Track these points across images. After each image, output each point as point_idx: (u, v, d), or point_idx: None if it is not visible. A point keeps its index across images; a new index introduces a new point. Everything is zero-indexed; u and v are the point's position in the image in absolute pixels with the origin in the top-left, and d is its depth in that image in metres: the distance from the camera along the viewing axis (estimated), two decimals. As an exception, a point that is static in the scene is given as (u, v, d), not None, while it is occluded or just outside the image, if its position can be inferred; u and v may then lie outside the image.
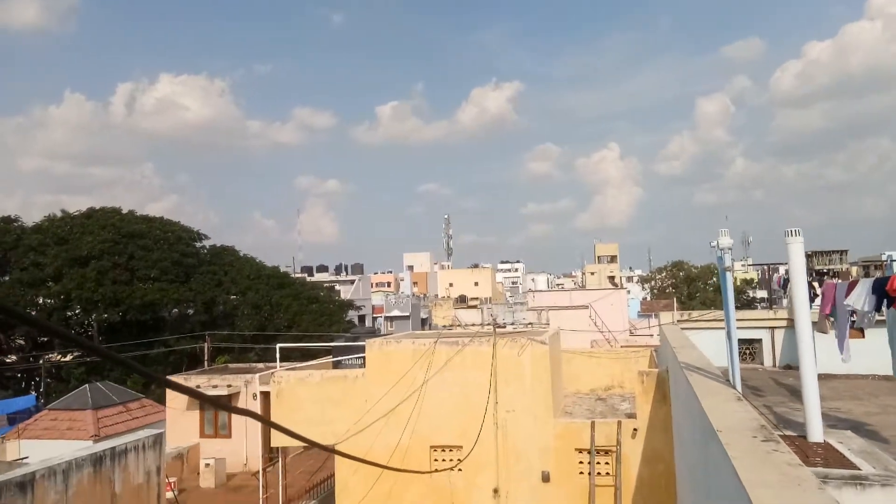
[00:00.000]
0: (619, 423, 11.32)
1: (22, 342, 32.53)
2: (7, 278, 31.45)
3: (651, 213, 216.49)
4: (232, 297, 37.04)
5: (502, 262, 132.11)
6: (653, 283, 77.04)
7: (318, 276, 75.11)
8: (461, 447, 11.97)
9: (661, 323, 17.06)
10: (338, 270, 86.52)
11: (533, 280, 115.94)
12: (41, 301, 31.47)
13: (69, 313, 32.16)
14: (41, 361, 30.98)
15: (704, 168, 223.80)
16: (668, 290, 68.52)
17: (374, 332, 18.20)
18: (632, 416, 11.69)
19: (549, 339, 12.44)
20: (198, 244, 38.21)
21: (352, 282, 74.90)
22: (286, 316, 36.93)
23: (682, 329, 14.17)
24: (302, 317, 36.92)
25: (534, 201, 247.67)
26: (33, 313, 31.75)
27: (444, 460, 12.14)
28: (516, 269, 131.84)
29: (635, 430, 11.13)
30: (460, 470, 11.82)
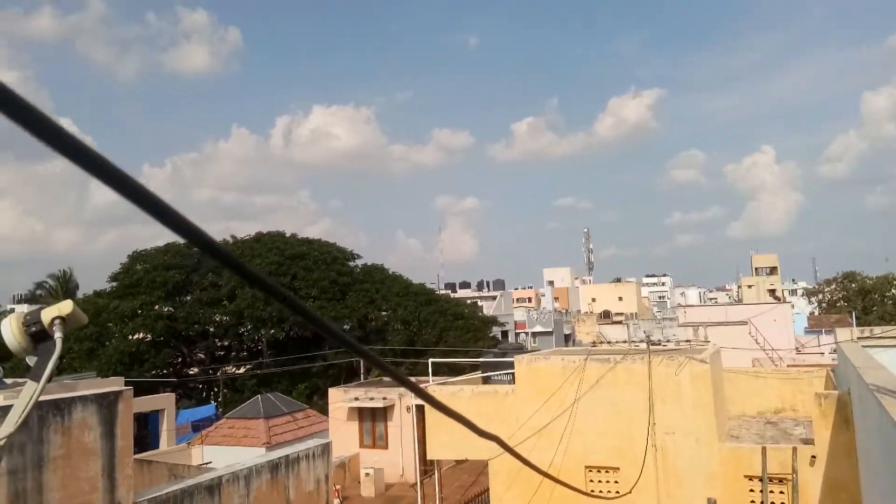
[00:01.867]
0: (795, 449, 10.48)
1: (202, 356, 36.12)
2: (189, 298, 35.11)
3: (814, 219, 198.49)
4: (383, 313, 38.75)
5: (647, 276, 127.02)
6: (820, 296, 70.47)
7: (460, 293, 76.48)
8: (618, 469, 11.66)
9: (839, 340, 15.59)
10: (479, 287, 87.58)
11: (683, 294, 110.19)
12: (218, 318, 34.79)
13: (241, 329, 35.27)
14: (219, 374, 34.23)
15: (875, 168, 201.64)
16: (838, 304, 62.39)
17: (520, 348, 18.23)
18: (808, 441, 10.78)
19: (710, 358, 11.82)
20: (351, 263, 40.46)
21: (493, 298, 75.41)
22: (433, 332, 37.98)
23: (864, 347, 12.87)
24: (448, 332, 37.80)
25: (679, 210, 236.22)
26: (211, 329, 35.21)
27: (599, 481, 11.87)
28: (663, 283, 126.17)
29: (813, 456, 10.25)
30: (618, 493, 11.50)
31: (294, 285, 35.31)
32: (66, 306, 1.56)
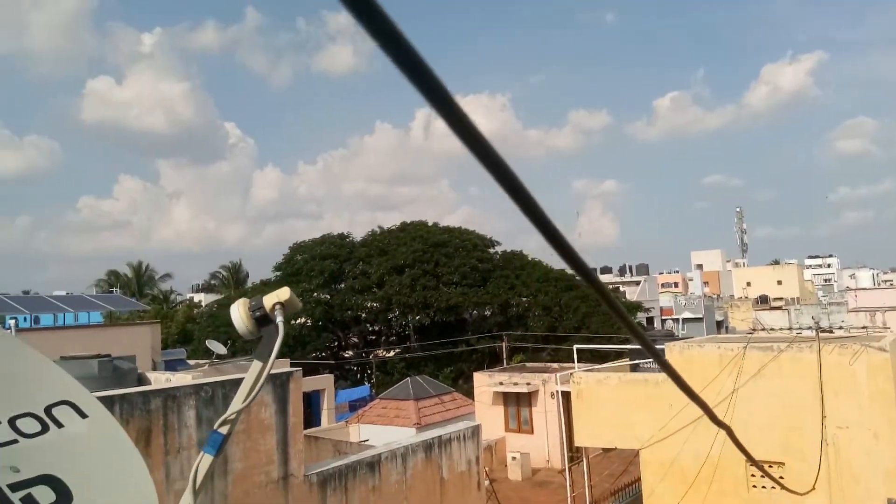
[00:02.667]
0: None
1: (356, 340, 38.30)
2: (343, 285, 37.32)
3: None
4: (523, 299, 38.87)
5: (810, 257, 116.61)
6: None
7: (602, 278, 74.75)
8: (783, 464, 10.96)
9: None
10: (622, 271, 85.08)
11: (853, 277, 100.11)
12: (369, 305, 36.69)
13: (390, 315, 36.95)
14: (371, 357, 36.16)
15: None
16: None
17: (670, 335, 17.58)
18: None
19: (890, 346, 10.74)
20: (491, 250, 40.92)
21: (637, 283, 72.99)
22: (575, 317, 37.54)
23: None
24: (591, 318, 37.18)
25: (846, 185, 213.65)
26: (363, 315, 37.20)
27: (762, 476, 11.23)
28: (829, 265, 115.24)
29: None
30: (785, 489, 10.82)
31: (437, 272, 36.36)
32: (283, 293, 1.80)
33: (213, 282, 52.83)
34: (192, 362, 21.15)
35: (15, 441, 1.67)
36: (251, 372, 1.96)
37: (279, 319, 1.76)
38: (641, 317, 46.32)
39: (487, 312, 38.42)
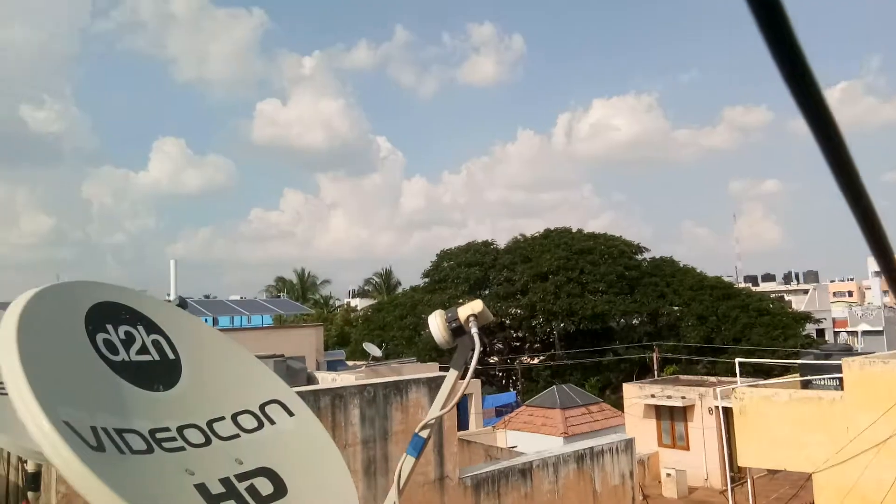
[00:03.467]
0: None
1: (500, 346, 38.57)
2: (487, 292, 37.75)
3: None
4: (675, 308, 37.07)
5: None
6: None
7: (763, 286, 69.37)
8: None
9: None
10: (786, 279, 78.50)
11: None
12: (513, 311, 36.80)
13: (534, 322, 36.80)
14: (516, 364, 36.23)
15: None
16: None
17: (847, 350, 15.93)
18: None
19: None
20: (638, 257, 39.48)
21: (805, 291, 66.95)
22: (734, 328, 35.17)
23: None
24: (752, 330, 34.65)
25: None
26: (507, 321, 37.38)
27: (967, 513, 9.87)
28: None
29: None
30: None
31: (582, 279, 35.68)
32: (476, 305, 1.87)
33: (366, 287, 55.69)
34: (350, 363, 22.38)
35: (237, 436, 1.86)
36: (448, 380, 2.07)
37: (474, 331, 1.85)
38: (811, 328, 42.38)
39: (636, 321, 37.08)
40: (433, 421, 1.89)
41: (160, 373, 1.86)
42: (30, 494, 2.56)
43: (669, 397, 21.78)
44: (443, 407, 1.88)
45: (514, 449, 16.43)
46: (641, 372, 31.18)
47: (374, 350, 21.14)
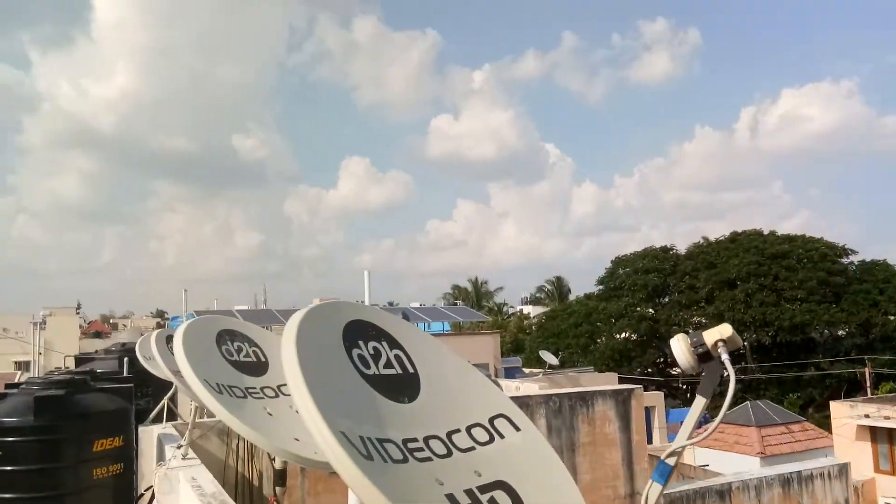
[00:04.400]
0: None
1: (682, 357, 36.49)
2: (667, 300, 35.96)
3: None
4: (891, 318, 32.67)
5: None
6: None
7: None
8: None
9: None
10: None
11: None
12: (696, 320, 34.67)
13: (721, 332, 34.35)
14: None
15: None
16: None
17: None
18: None
19: None
20: (844, 260, 35.35)
21: None
22: (972, 342, 30.24)
23: None
24: None
25: None
26: (688, 331, 35.25)
27: None
28: None
29: None
30: None
31: (776, 286, 32.68)
32: (725, 329, 1.79)
33: (538, 294, 55.59)
34: (526, 370, 22.46)
35: (473, 448, 1.93)
36: (695, 407, 2.00)
37: (724, 357, 1.77)
38: None
39: (842, 332, 33.22)
40: (681, 449, 1.84)
41: (404, 386, 1.99)
42: (277, 489, 2.86)
43: (888, 418, 19.19)
44: (689, 436, 1.81)
45: (707, 468, 15.44)
46: (851, 389, 27.84)
47: (550, 358, 21.02)
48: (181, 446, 4.86)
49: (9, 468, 4.65)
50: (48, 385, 5.11)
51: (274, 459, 3.13)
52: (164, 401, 6.73)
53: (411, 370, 2.04)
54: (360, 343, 1.94)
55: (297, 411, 2.95)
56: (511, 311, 55.79)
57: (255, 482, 6.59)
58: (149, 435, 6.26)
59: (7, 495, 4.62)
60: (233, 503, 3.69)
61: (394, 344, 2.07)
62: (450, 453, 1.85)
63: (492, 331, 25.98)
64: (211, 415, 6.41)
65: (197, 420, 5.37)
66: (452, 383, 2.16)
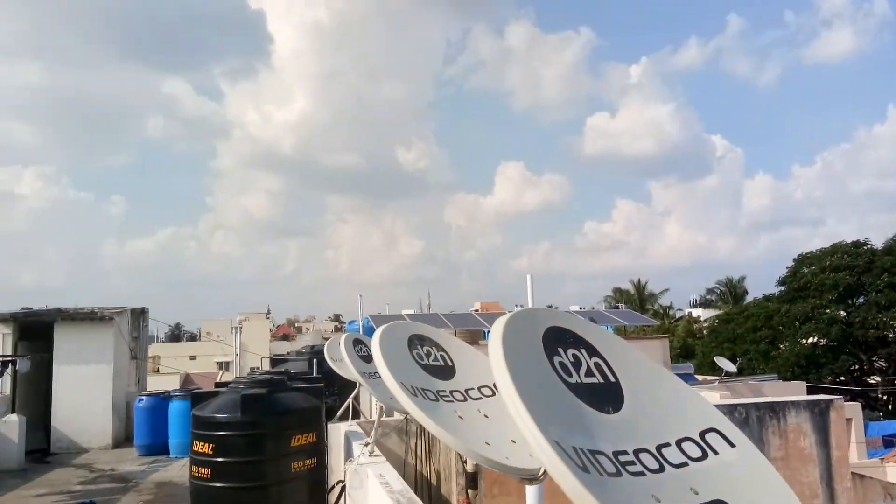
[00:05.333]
0: None
1: (884, 364, 32.39)
2: (863, 300, 32.12)
3: None
4: None
5: None
6: None
7: None
8: None
9: None
10: None
11: None
12: (897, 324, 30.65)
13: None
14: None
15: None
16: None
17: None
18: None
19: None
20: None
21: None
22: None
23: None
24: None
25: None
26: (891, 335, 31.27)
27: None
28: None
29: None
30: None
31: None
32: None
33: (709, 297, 52.15)
34: (699, 377, 21.16)
35: (685, 464, 1.81)
36: None
37: None
38: None
39: None
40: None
41: (606, 395, 1.91)
42: (469, 492, 2.89)
43: None
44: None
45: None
46: None
47: (727, 365, 19.61)
48: (368, 444, 5.12)
49: (220, 459, 5.17)
50: (252, 384, 5.62)
51: (465, 462, 3.19)
52: (350, 400, 7.16)
53: (612, 379, 1.95)
54: (560, 350, 1.88)
55: (485, 416, 2.98)
56: (678, 314, 52.86)
57: (434, 480, 6.78)
58: (337, 431, 6.68)
59: (220, 484, 5.14)
60: (419, 501, 3.81)
61: (592, 351, 1.99)
62: (662, 468, 1.72)
63: (659, 335, 24.75)
64: (390, 414, 6.72)
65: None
66: (656, 393, 2.03)
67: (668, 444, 1.82)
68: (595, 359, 1.98)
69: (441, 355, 3.20)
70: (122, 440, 12.93)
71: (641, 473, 1.67)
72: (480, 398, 3.05)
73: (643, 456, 1.73)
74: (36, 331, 12.85)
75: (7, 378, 11.51)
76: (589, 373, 1.91)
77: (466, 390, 3.05)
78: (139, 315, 14.95)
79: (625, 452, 1.70)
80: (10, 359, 11.55)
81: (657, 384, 2.12)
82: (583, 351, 1.96)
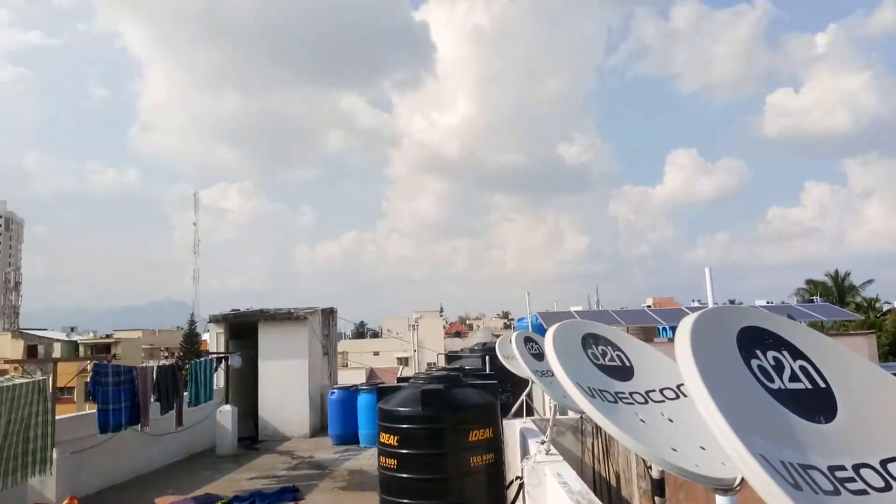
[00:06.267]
0: None
1: None
2: None
3: None
4: None
5: None
6: None
7: None
8: None
9: None
10: None
11: None
12: None
13: None
14: None
15: None
16: None
17: None
18: None
19: None
20: None
21: None
22: None
23: None
24: None
25: None
26: None
27: None
28: None
29: None
30: None
31: None
32: None
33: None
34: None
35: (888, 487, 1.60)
36: None
37: None
38: None
39: None
40: None
41: (816, 402, 1.73)
42: (656, 499, 2.76)
43: None
44: None
45: None
46: None
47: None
48: (544, 442, 5.09)
49: (405, 451, 5.42)
50: (430, 380, 5.84)
51: (650, 468, 3.05)
52: (523, 397, 7.18)
53: (822, 384, 1.78)
54: (758, 352, 1.75)
55: (669, 420, 2.81)
56: (885, 307, 46.55)
57: (613, 482, 6.59)
58: (511, 428, 6.72)
59: (405, 475, 5.39)
60: (599, 503, 3.70)
61: (796, 353, 1.83)
62: (888, 487, 1.53)
63: (863, 331, 21.98)
64: (564, 413, 6.62)
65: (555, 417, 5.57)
66: (875, 399, 1.83)
67: (894, 459, 1.62)
68: (800, 361, 1.83)
69: (617, 355, 3.09)
70: (318, 430, 14.06)
71: (864, 492, 1.49)
72: (663, 401, 2.90)
73: (865, 472, 1.55)
74: (243, 330, 14.40)
75: (221, 373, 12.99)
76: (794, 377, 1.77)
77: (647, 392, 2.92)
78: (329, 314, 16.16)
79: (842, 468, 1.53)
80: (223, 355, 13.04)
81: (877, 389, 1.87)
82: (785, 353, 1.83)
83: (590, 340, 3.13)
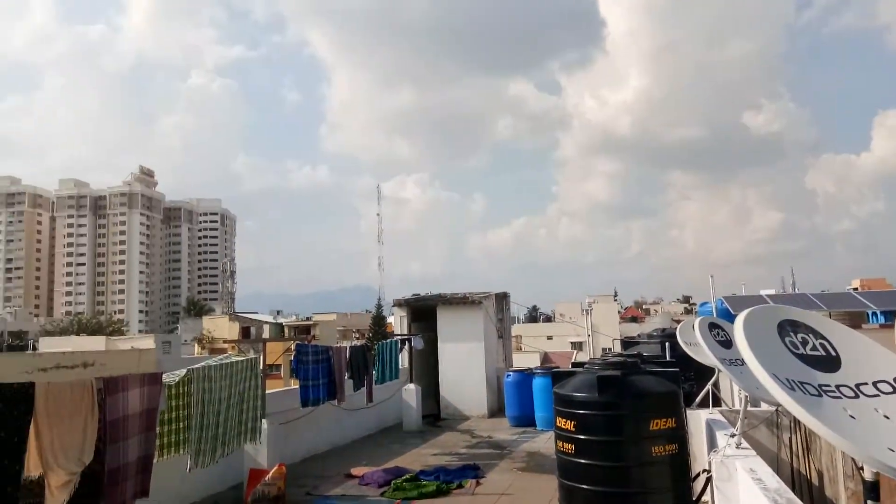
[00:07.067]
0: None
1: None
2: None
3: None
4: None
5: None
6: None
7: None
8: None
9: None
10: None
11: None
12: None
13: None
14: None
15: None
16: None
17: None
18: None
19: None
20: None
21: None
22: None
23: None
24: None
25: None
26: None
27: None
28: None
29: None
30: None
31: None
32: None
33: None
34: None
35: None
36: None
37: None
38: None
39: None
40: None
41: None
42: (869, 503, 2.49)
43: None
44: None
45: None
46: None
47: None
48: (734, 434, 4.78)
49: (582, 437, 5.38)
50: (606, 366, 5.72)
51: (861, 468, 2.76)
52: (709, 386, 6.79)
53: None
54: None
55: (885, 416, 2.53)
56: None
57: (815, 481, 6.03)
58: (696, 419, 6.39)
59: (583, 460, 5.34)
60: (800, 502, 3.41)
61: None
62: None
63: None
64: (755, 404, 6.15)
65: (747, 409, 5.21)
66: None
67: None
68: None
69: (821, 343, 2.82)
70: (496, 410, 14.40)
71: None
72: (877, 395, 2.61)
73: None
74: (423, 313, 15.12)
75: (405, 353, 13.77)
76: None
77: (857, 385, 2.64)
78: (502, 299, 16.43)
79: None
80: (407, 337, 13.80)
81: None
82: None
83: (787, 327, 2.88)
